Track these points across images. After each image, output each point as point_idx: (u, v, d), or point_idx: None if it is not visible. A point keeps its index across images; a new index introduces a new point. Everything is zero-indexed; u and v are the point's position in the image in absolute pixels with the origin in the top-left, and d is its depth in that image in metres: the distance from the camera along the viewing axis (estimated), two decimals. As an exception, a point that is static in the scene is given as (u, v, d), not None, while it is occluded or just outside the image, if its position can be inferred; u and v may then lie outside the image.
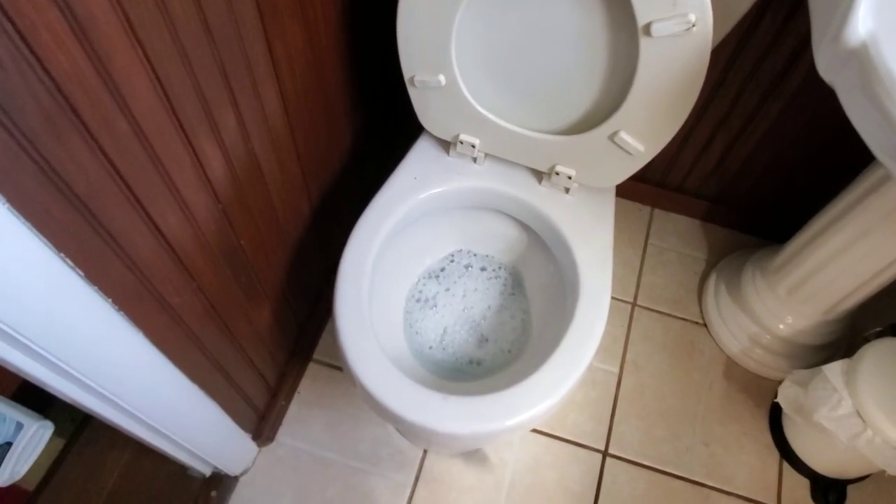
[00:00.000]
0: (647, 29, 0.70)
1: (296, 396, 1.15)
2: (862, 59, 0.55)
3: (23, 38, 0.39)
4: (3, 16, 0.37)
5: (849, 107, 0.60)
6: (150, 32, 0.50)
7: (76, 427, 1.07)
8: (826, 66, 0.61)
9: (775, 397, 1.08)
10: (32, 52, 0.40)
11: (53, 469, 1.04)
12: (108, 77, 0.47)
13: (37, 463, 1.00)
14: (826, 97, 1.06)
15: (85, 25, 0.43)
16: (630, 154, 0.85)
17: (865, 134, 0.59)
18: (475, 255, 1.06)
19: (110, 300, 0.55)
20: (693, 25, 0.68)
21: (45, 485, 1.02)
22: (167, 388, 0.72)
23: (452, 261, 1.06)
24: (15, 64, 0.39)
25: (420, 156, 0.96)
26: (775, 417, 1.19)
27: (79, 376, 0.57)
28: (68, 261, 0.49)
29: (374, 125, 1.17)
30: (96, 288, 0.53)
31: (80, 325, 0.53)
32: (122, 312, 0.58)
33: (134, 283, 0.59)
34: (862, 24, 0.56)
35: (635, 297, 1.33)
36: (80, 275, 0.51)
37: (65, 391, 0.58)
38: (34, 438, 1.00)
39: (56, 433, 1.04)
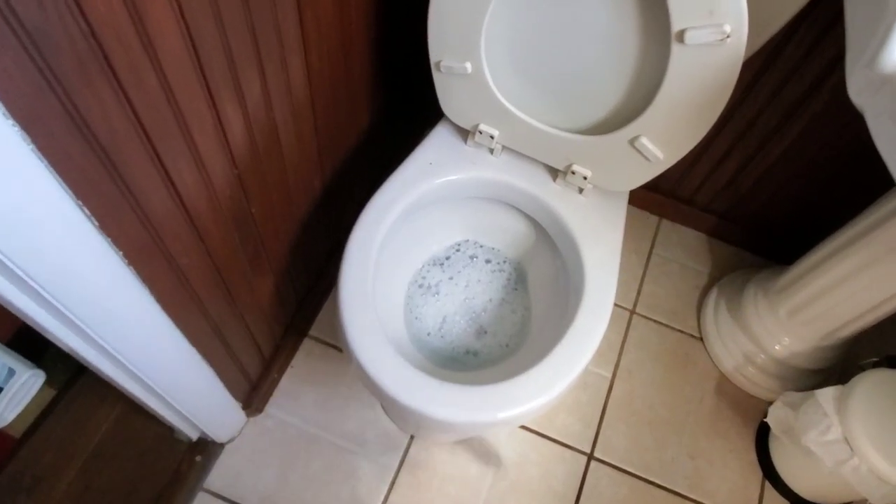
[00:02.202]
0: (680, 35, 0.69)
1: (289, 370, 1.15)
2: (895, 87, 0.55)
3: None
4: (47, -46, 0.37)
5: (877, 133, 0.60)
6: (187, -15, 0.50)
7: (68, 379, 1.07)
8: (858, 90, 0.61)
9: (764, 417, 1.08)
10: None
11: (41, 419, 1.04)
12: (143, 28, 0.47)
13: (25, 411, 1.00)
14: (845, 125, 1.05)
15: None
16: (649, 160, 0.85)
17: (890, 160, 0.59)
18: (481, 246, 1.06)
19: (121, 253, 0.55)
20: (728, 36, 0.67)
21: (31, 433, 1.02)
22: (166, 348, 0.71)
23: (458, 250, 1.05)
24: (54, 4, 0.39)
25: (437, 142, 0.96)
26: (762, 437, 1.19)
27: (82, 326, 0.57)
28: (85, 209, 0.49)
29: (393, 107, 1.17)
30: (109, 239, 0.53)
31: (89, 275, 0.53)
32: (131, 267, 0.57)
33: (146, 239, 0.58)
34: (899, 52, 0.55)
35: (635, 305, 1.33)
36: (94, 224, 0.50)
37: (65, 340, 0.58)
38: (25, 386, 1.00)
39: (47, 383, 1.04)
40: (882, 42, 0.57)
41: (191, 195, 0.62)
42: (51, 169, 0.43)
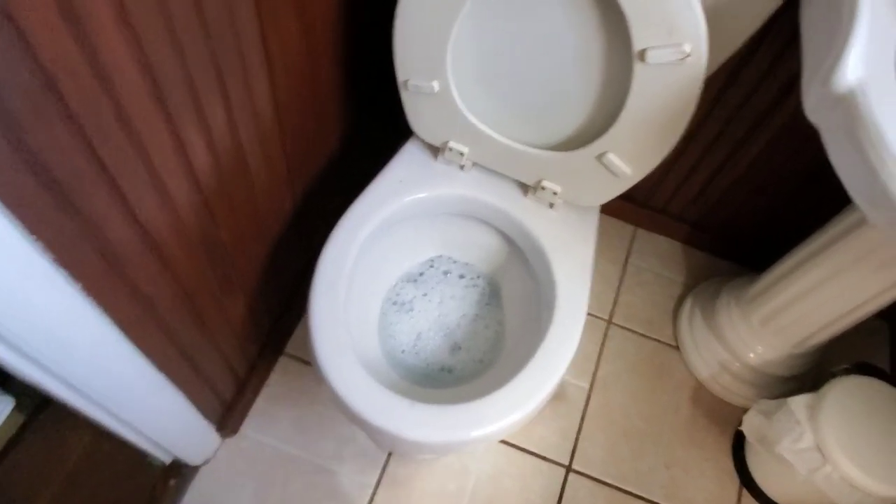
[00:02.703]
0: (642, 55, 0.70)
1: (264, 389, 1.14)
2: (849, 105, 0.56)
3: (10, 20, 0.38)
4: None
5: (832, 149, 0.61)
6: (143, 16, 0.49)
7: (37, 404, 1.04)
8: (813, 107, 0.62)
9: (740, 425, 1.09)
10: (21, 35, 0.39)
11: (10, 446, 1.01)
12: (96, 60, 0.46)
13: (-7, 439, 0.98)
14: (809, 137, 1.07)
15: (76, 7, 0.42)
16: (617, 176, 0.85)
17: (845, 177, 0.60)
18: (455, 262, 1.06)
19: (80, 285, 0.54)
20: (688, 56, 0.68)
21: (0, 461, 1.00)
22: (131, 375, 0.71)
23: (432, 266, 1.05)
24: (1, 49, 0.38)
25: (407, 159, 0.96)
26: (738, 445, 1.20)
27: (40, 359, 0.56)
28: (39, 243, 0.48)
29: (364, 125, 1.17)
30: (66, 272, 0.52)
31: (45, 309, 0.52)
32: (90, 298, 0.57)
33: (106, 270, 0.58)
34: (852, 72, 0.56)
35: (611, 315, 1.34)
36: (49, 259, 0.50)
37: (25, 372, 0.57)
38: (-8, 414, 0.98)
39: (16, 409, 1.02)
40: (835, 61, 0.58)
41: (154, 223, 0.62)
42: (2, 206, 0.43)
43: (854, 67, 0.56)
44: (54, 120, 0.45)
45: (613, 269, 1.41)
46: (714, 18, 0.69)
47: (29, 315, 0.51)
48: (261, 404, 1.13)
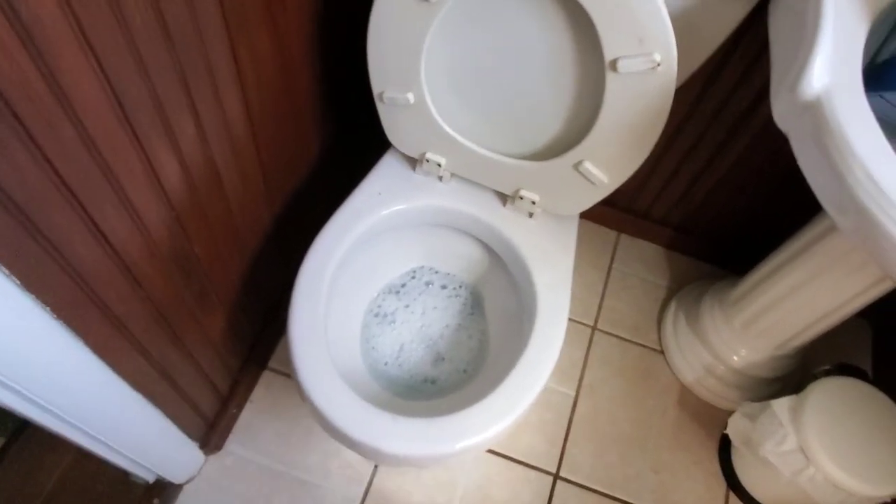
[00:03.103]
0: (613, 64, 0.71)
1: (248, 405, 1.13)
2: (816, 113, 0.56)
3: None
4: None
5: (800, 155, 0.61)
6: (103, 37, 0.49)
7: (16, 427, 1.04)
8: (781, 114, 0.62)
9: (726, 427, 1.10)
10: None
11: (-11, 468, 1.00)
12: (54, 82, 0.46)
13: (-29, 462, 0.97)
14: (785, 141, 1.08)
15: (31, 29, 0.42)
16: (594, 184, 0.86)
17: (815, 185, 0.60)
18: (437, 272, 1.06)
19: (48, 309, 0.54)
20: (658, 65, 0.68)
21: (-22, 485, 0.99)
22: (108, 397, 0.70)
23: (413, 277, 1.05)
24: (-50, 68, 0.38)
25: (386, 171, 0.95)
26: (725, 448, 1.20)
27: (12, 384, 0.55)
28: (3, 269, 0.47)
29: (343, 137, 1.16)
30: (33, 296, 0.52)
31: (14, 334, 0.52)
32: (60, 321, 0.56)
33: (75, 292, 0.57)
34: (818, 79, 0.57)
35: (596, 321, 1.34)
36: (15, 283, 0.49)
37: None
38: (-30, 437, 0.97)
39: (-6, 432, 1.01)
40: (802, 68, 0.58)
41: (123, 243, 0.61)
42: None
43: (819, 75, 0.57)
44: (13, 143, 0.44)
45: (597, 274, 1.41)
46: (682, 29, 0.70)
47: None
48: (245, 420, 1.12)
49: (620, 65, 0.70)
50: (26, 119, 0.44)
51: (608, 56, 0.70)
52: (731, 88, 1.05)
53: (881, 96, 0.62)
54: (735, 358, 1.18)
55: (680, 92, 0.72)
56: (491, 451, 1.15)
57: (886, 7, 0.64)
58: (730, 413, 1.12)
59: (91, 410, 0.68)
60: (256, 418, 1.13)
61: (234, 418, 1.11)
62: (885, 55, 0.65)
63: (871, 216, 0.53)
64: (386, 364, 0.97)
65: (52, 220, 0.51)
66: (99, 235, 0.57)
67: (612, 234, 1.47)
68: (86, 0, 0.45)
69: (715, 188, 1.25)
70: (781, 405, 0.99)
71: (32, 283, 0.51)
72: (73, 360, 0.60)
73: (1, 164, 0.44)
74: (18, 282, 0.49)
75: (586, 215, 1.44)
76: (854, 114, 0.55)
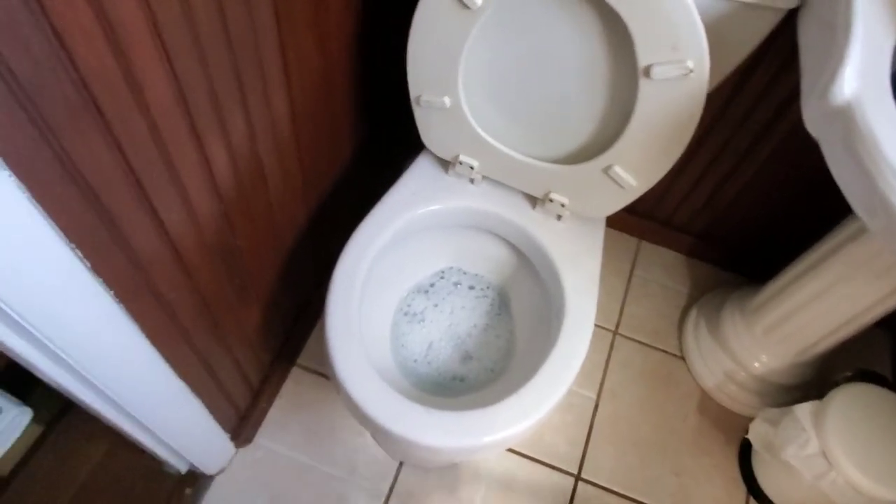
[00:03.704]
0: (647, 71, 0.73)
1: (277, 400, 1.16)
2: (846, 118, 0.59)
3: (57, 36, 0.41)
4: (42, 15, 0.39)
5: (831, 161, 0.63)
6: (174, 34, 0.52)
7: (54, 415, 1.07)
8: (812, 120, 0.64)
9: (746, 433, 1.11)
10: (64, 48, 0.42)
11: (28, 456, 1.03)
12: (131, 76, 0.49)
13: (13, 448, 1.01)
14: (812, 147, 1.09)
15: (116, 26, 0.45)
16: (623, 188, 0.88)
17: (845, 188, 0.62)
18: (465, 273, 1.08)
19: (112, 292, 0.57)
20: (691, 71, 0.71)
21: (18, 471, 1.02)
22: (155, 382, 0.73)
23: (442, 277, 1.08)
24: (48, 59, 0.41)
25: (419, 172, 0.98)
26: (745, 453, 1.21)
27: (74, 365, 0.58)
28: (78, 252, 0.50)
29: (377, 138, 1.20)
30: (100, 280, 0.55)
31: (81, 315, 0.55)
32: (121, 305, 0.59)
33: (135, 277, 0.60)
34: (848, 85, 0.59)
35: (617, 326, 1.36)
36: (86, 266, 0.52)
37: (57, 378, 0.59)
38: (12, 424, 1.00)
39: (34, 420, 1.04)
40: (832, 75, 0.60)
41: (178, 233, 0.64)
42: (45, 215, 0.45)
43: (850, 81, 0.59)
44: (93, 132, 0.47)
45: (618, 280, 1.43)
46: (715, 36, 0.72)
47: (66, 322, 0.54)
48: (274, 414, 1.15)
49: (654, 71, 0.72)
50: (106, 111, 0.48)
51: (642, 62, 0.73)
52: (757, 96, 1.07)
53: (910, 103, 0.64)
54: (756, 364, 1.20)
55: (707, 99, 0.74)
56: (514, 451, 1.17)
57: (915, 17, 0.66)
58: (750, 419, 1.13)
59: (139, 394, 0.71)
60: (285, 413, 1.15)
61: (265, 412, 1.14)
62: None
63: (900, 216, 0.55)
64: (415, 361, 0.99)
65: (120, 206, 0.54)
66: (159, 224, 0.60)
67: (634, 240, 1.49)
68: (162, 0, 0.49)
69: (738, 196, 1.27)
70: (804, 410, 1.00)
71: (100, 267, 0.54)
72: (129, 343, 0.63)
73: (83, 151, 0.47)
74: (89, 265, 0.52)
75: (607, 222, 1.46)
76: (883, 118, 0.57)
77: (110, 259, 0.55)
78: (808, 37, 0.73)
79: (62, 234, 0.48)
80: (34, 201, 0.44)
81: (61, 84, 0.43)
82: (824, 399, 1.00)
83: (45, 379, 0.60)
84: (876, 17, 0.64)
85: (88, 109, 0.46)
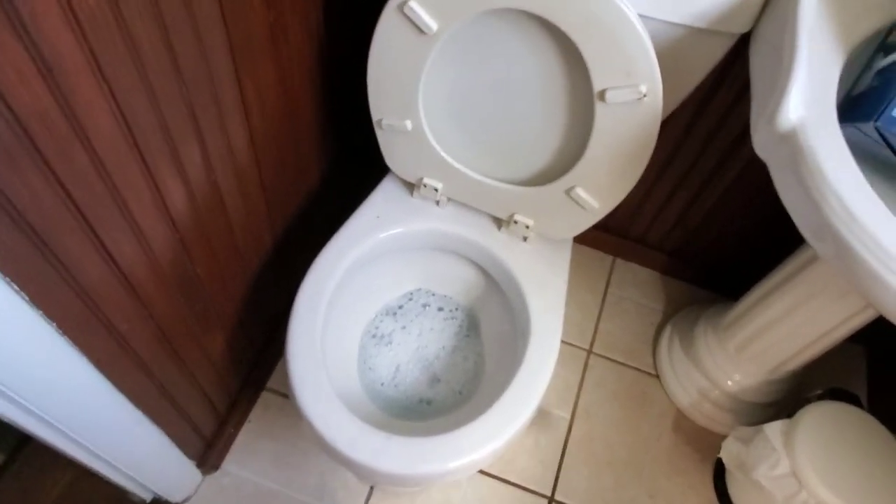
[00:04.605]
0: (602, 95, 0.74)
1: (246, 425, 1.15)
2: (792, 142, 0.59)
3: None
4: (-33, 53, 0.39)
5: (780, 186, 0.64)
6: (118, 70, 0.52)
7: (16, 444, 1.05)
8: (761, 144, 0.65)
9: (720, 452, 1.10)
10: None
11: (-11, 486, 1.01)
12: (71, 112, 0.49)
13: (-28, 479, 0.98)
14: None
15: (52, 66, 0.45)
16: (585, 209, 0.88)
17: (793, 213, 0.62)
18: (433, 294, 1.08)
19: (54, 324, 0.56)
20: (644, 96, 0.72)
21: (-22, 502, 1.00)
22: (108, 412, 0.72)
23: (411, 299, 1.07)
24: (-25, 97, 0.41)
25: (384, 195, 0.98)
26: (719, 472, 1.21)
27: (17, 398, 0.57)
28: (14, 285, 0.50)
29: (343, 161, 1.20)
30: (40, 311, 0.54)
31: (20, 348, 0.54)
32: (65, 337, 0.58)
33: (81, 309, 0.59)
34: (794, 111, 0.59)
35: (591, 345, 1.35)
36: (24, 298, 0.51)
37: (3, 411, 0.58)
38: (-28, 454, 0.98)
39: (-5, 449, 1.02)
40: (778, 100, 0.61)
41: (129, 263, 0.64)
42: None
43: (795, 106, 0.59)
44: (29, 169, 0.47)
45: (593, 298, 1.43)
46: (669, 60, 0.73)
47: (6, 356, 0.53)
48: (243, 440, 1.13)
49: (608, 95, 0.73)
50: (42, 145, 0.47)
51: (597, 87, 0.73)
52: (720, 118, 1.08)
53: (856, 127, 0.64)
54: (729, 382, 1.20)
55: (671, 121, 0.75)
56: (486, 473, 1.16)
57: (860, 43, 0.67)
58: (724, 438, 1.13)
59: (92, 426, 0.70)
60: (254, 438, 1.14)
61: (232, 438, 1.12)
62: (860, 88, 0.68)
63: (845, 243, 0.55)
64: (382, 385, 0.99)
65: (62, 240, 0.53)
66: (106, 256, 0.60)
67: (608, 258, 1.49)
68: (102, 35, 0.49)
69: (708, 214, 1.27)
70: (774, 429, 1.00)
71: (40, 299, 0.53)
72: (76, 375, 0.62)
73: (17, 185, 0.46)
74: (27, 296, 0.52)
75: (582, 240, 1.47)
76: (828, 144, 0.58)
77: (51, 291, 0.55)
78: (758, 61, 0.74)
79: (-6, 269, 0.47)
80: (-40, 239, 0.43)
81: (-9, 121, 0.42)
82: (794, 418, 1.00)
83: (-10, 414, 0.59)
84: (823, 43, 0.65)
85: (23, 146, 0.46)
